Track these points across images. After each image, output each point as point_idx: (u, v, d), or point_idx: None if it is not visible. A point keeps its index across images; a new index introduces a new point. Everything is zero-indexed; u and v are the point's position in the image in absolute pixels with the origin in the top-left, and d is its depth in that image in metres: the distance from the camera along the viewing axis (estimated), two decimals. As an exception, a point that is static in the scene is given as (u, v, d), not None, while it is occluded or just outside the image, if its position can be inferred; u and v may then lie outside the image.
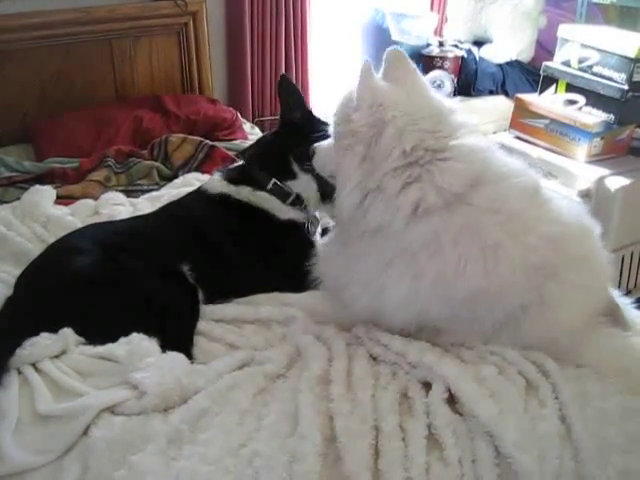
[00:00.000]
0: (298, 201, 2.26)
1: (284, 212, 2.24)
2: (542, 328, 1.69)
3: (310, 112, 2.32)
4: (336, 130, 1.72)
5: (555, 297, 1.66)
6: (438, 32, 4.71)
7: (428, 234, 1.62)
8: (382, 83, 1.70)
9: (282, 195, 2.24)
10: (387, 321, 1.75)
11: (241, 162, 2.46)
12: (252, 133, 3.72)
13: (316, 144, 1.95)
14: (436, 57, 4.17)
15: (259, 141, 2.57)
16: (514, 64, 4.37)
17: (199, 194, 2.30)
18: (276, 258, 2.17)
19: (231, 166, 2.43)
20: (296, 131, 2.25)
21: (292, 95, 2.30)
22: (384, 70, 1.78)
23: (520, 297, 1.66)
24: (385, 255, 1.69)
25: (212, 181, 2.31)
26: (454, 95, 4.13)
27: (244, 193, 2.23)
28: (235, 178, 2.27)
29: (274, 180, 2.24)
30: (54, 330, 1.82)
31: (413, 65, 1.78)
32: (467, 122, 1.74)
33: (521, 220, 1.65)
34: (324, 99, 4.59)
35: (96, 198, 2.82)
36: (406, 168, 1.62)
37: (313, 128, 2.11)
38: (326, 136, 1.88)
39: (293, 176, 2.24)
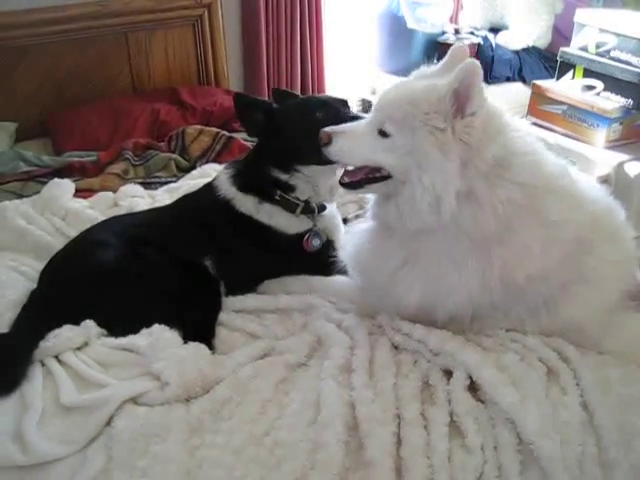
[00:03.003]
0: (309, 208, 2.16)
1: (292, 227, 2.15)
2: (578, 305, 1.71)
3: (270, 107, 2.15)
4: (429, 126, 1.61)
5: (592, 270, 1.70)
6: (454, 19, 4.69)
7: (502, 224, 1.62)
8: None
9: (290, 206, 2.14)
10: (439, 312, 1.74)
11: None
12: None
13: (329, 129, 1.80)
14: (452, 45, 4.14)
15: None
16: (531, 50, 4.34)
17: (210, 191, 2.22)
18: (290, 259, 2.16)
19: (240, 166, 2.25)
20: (268, 136, 2.14)
21: (249, 106, 2.14)
22: (445, 64, 1.76)
23: (562, 273, 1.69)
24: (459, 252, 1.67)
25: (221, 182, 2.21)
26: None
27: (248, 205, 2.14)
28: (243, 184, 2.17)
29: (279, 192, 2.14)
30: (77, 322, 1.84)
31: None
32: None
33: (570, 197, 1.71)
34: (339, 87, 4.60)
35: (115, 191, 2.83)
36: (491, 170, 1.61)
37: (280, 122, 2.09)
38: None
39: (291, 188, 2.14)
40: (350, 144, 1.76)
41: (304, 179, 2.11)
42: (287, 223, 2.14)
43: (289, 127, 2.09)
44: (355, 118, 1.95)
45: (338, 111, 2.08)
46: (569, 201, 1.70)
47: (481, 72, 1.55)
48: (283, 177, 2.12)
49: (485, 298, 1.69)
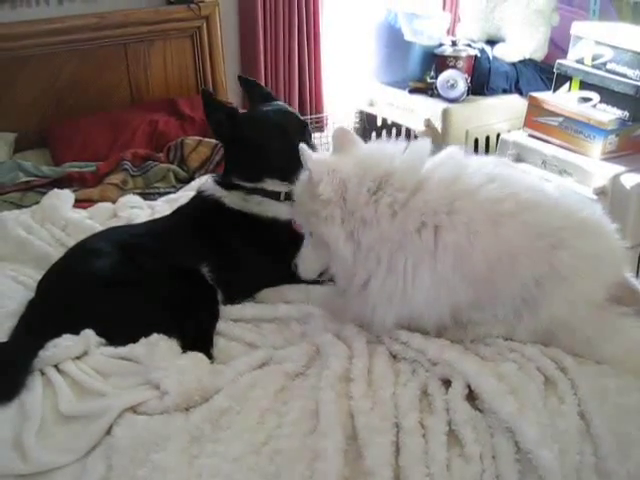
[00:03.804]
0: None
1: (282, 212, 2.18)
2: (560, 303, 1.69)
3: (234, 112, 2.22)
4: (309, 211, 1.79)
5: (567, 267, 1.68)
6: (451, 32, 4.71)
7: (415, 219, 1.69)
8: (325, 154, 1.87)
9: (274, 194, 2.19)
10: (423, 323, 1.77)
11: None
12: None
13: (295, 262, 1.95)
14: (449, 57, 4.16)
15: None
16: (527, 63, 4.36)
17: (200, 197, 2.27)
18: (282, 254, 2.15)
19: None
20: (228, 142, 2.22)
21: (214, 106, 2.22)
22: (334, 146, 1.91)
23: (532, 267, 1.68)
24: (389, 260, 1.72)
25: (208, 186, 2.26)
26: (467, 94, 4.12)
27: (235, 200, 2.18)
28: (228, 182, 2.22)
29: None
30: (76, 332, 1.84)
31: (355, 135, 1.93)
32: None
33: (500, 177, 1.76)
34: (337, 99, 4.62)
35: (114, 201, 2.84)
36: (372, 196, 1.72)
37: (241, 133, 2.15)
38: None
39: (262, 191, 2.19)
40: (307, 263, 1.93)
41: (271, 183, 2.17)
42: (277, 209, 2.18)
43: (248, 143, 2.15)
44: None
45: (294, 144, 1.99)
46: (495, 184, 1.73)
47: (309, 151, 1.75)
48: (248, 185, 2.18)
49: (456, 295, 1.70)
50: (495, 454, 1.49)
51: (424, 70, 4.35)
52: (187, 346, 1.83)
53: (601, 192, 3.26)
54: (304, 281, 2.09)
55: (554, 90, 3.79)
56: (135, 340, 1.83)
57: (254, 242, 2.15)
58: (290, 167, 1.94)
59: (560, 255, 1.68)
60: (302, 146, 1.76)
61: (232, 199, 2.19)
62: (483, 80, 4.25)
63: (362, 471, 1.44)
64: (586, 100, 3.58)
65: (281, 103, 2.33)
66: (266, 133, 2.14)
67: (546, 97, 3.73)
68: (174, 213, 2.35)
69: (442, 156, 1.83)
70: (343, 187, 1.73)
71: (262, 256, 2.14)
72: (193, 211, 2.27)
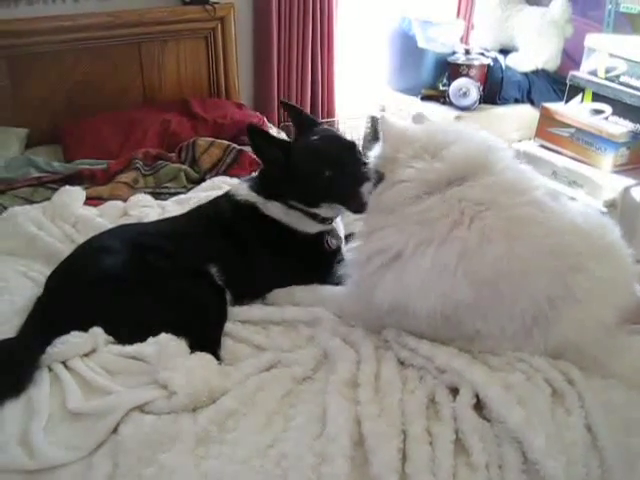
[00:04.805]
0: (327, 219, 2.25)
1: (315, 227, 2.22)
2: (572, 325, 1.69)
3: (289, 145, 2.24)
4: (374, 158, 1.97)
5: (582, 290, 1.68)
6: (464, 40, 4.71)
7: (443, 204, 1.74)
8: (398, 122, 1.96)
9: (316, 216, 2.22)
10: (414, 310, 1.74)
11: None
12: (278, 138, 3.74)
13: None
14: (462, 65, 4.17)
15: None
16: (540, 73, 4.36)
17: (228, 199, 2.27)
18: (303, 264, 2.18)
19: (256, 176, 2.35)
20: (286, 174, 2.18)
21: (265, 142, 2.20)
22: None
23: (545, 286, 1.67)
24: (402, 225, 1.77)
25: (240, 189, 2.27)
26: (479, 103, 4.12)
27: (275, 210, 2.20)
28: (265, 191, 2.22)
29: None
30: (84, 329, 1.85)
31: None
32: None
33: (541, 202, 1.76)
34: (350, 105, 4.62)
35: (124, 199, 2.85)
36: (410, 161, 1.81)
37: (294, 165, 2.15)
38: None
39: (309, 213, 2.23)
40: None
41: (326, 207, 2.20)
42: (311, 226, 2.22)
43: (305, 176, 2.15)
44: (366, 178, 2.01)
45: (346, 170, 2.11)
46: (534, 206, 1.75)
47: (388, 118, 1.93)
48: (306, 209, 2.20)
49: (453, 289, 1.68)
50: (502, 464, 1.48)
51: (437, 77, 4.36)
52: (194, 346, 1.82)
53: (611, 205, 3.26)
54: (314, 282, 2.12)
55: (566, 101, 3.79)
56: (142, 339, 1.83)
57: (277, 249, 2.17)
58: (346, 192, 2.07)
59: (577, 278, 1.68)
60: (381, 114, 1.96)
61: (271, 209, 2.19)
62: (495, 89, 4.25)
63: (368, 477, 1.44)
64: (598, 112, 3.58)
65: (326, 128, 2.32)
66: (320, 166, 2.12)
67: (558, 108, 3.73)
68: (186, 213, 2.35)
69: (521, 167, 1.89)
70: (397, 150, 1.85)
71: (280, 261, 2.16)
72: (213, 212, 2.27)
